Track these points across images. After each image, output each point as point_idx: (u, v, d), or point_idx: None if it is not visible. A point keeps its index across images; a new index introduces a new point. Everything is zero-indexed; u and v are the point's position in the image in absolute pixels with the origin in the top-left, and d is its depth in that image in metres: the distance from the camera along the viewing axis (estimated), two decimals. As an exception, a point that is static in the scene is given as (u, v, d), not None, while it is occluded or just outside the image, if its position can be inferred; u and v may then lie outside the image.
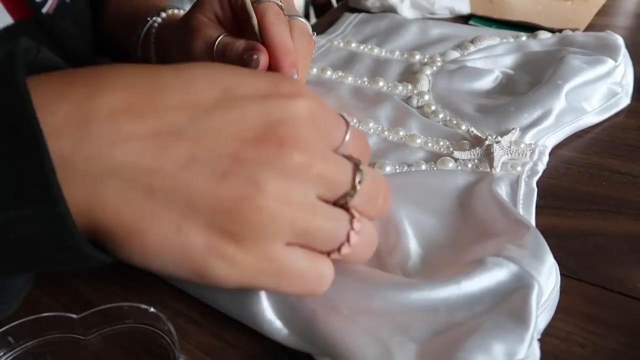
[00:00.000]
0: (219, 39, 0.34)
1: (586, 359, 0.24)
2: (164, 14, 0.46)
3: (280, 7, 0.33)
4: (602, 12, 0.60)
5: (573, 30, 0.53)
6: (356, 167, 0.23)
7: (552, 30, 0.53)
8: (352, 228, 0.23)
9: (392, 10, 0.61)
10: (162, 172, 0.20)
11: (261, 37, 0.33)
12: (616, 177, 0.35)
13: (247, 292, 0.25)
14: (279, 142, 0.22)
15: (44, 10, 0.44)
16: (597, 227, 0.31)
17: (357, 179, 0.23)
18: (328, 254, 0.23)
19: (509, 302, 0.23)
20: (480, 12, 0.60)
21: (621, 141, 0.38)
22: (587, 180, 0.35)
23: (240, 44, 0.33)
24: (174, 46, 0.39)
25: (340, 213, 0.23)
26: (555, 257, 0.29)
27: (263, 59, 0.30)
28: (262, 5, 0.32)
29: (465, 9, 0.61)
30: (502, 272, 0.24)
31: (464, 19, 0.59)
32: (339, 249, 0.23)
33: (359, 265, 0.27)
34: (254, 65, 0.31)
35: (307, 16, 1.47)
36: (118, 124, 0.20)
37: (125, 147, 0.20)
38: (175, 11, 0.47)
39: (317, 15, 1.39)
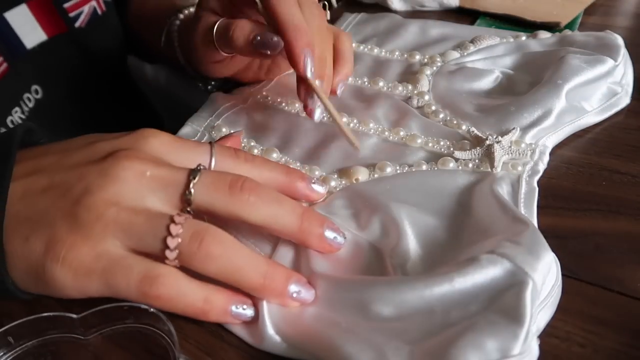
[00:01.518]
0: (218, 22, 0.34)
1: (586, 359, 0.24)
2: (181, 15, 0.46)
3: None
4: (601, 12, 0.60)
5: (554, 24, 0.54)
6: (192, 170, 0.25)
7: (533, 24, 0.55)
8: (172, 221, 0.24)
9: (382, 2, 0.63)
10: (25, 199, 0.25)
11: (268, 16, 0.32)
12: (616, 177, 0.35)
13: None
14: (117, 157, 0.25)
15: (77, 24, 0.45)
16: (597, 227, 0.31)
17: (192, 178, 0.25)
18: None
19: (503, 299, 0.23)
20: (467, 5, 0.61)
21: (621, 141, 0.38)
22: (587, 180, 0.35)
23: (245, 24, 0.33)
24: (188, 43, 0.40)
25: (165, 214, 0.24)
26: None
27: (270, 35, 0.32)
28: None
29: (454, 1, 0.62)
30: (496, 269, 0.23)
31: (470, 20, 0.60)
32: (168, 247, 0.23)
33: (350, 276, 0.27)
34: (274, 47, 0.32)
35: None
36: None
37: (11, 188, 0.25)
38: (192, 9, 0.47)
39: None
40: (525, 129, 0.36)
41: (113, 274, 0.23)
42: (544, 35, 0.50)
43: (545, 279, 0.24)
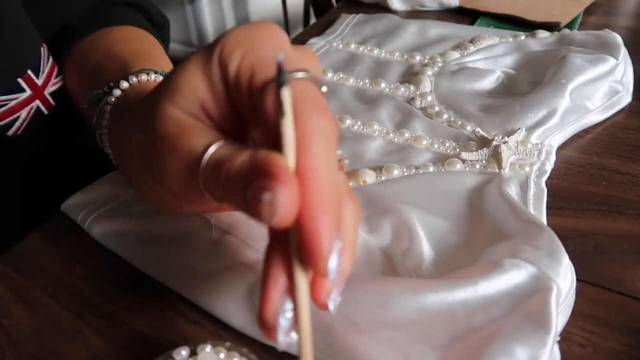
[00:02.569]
0: (209, 152, 0.20)
1: (586, 359, 0.24)
2: (125, 84, 0.31)
3: (321, 89, 0.21)
4: (601, 12, 0.60)
5: (554, 24, 0.54)
6: None
7: (533, 24, 0.55)
8: None
9: (382, 2, 0.63)
10: None
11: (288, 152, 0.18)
12: (616, 177, 0.35)
13: None
14: None
15: (10, 133, 0.38)
16: (597, 227, 0.31)
17: None
18: None
19: (528, 304, 0.23)
20: (467, 5, 0.62)
21: (621, 141, 0.39)
22: (587, 180, 0.35)
23: (243, 163, 0.19)
24: (135, 150, 0.25)
25: None
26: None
27: (284, 198, 0.17)
28: (295, 88, 0.19)
29: (454, 1, 0.62)
30: (520, 273, 0.23)
31: (470, 20, 0.60)
32: None
33: (371, 275, 0.26)
34: (268, 211, 0.17)
35: (306, 16, 1.45)
36: None
37: None
38: (144, 77, 0.32)
39: (317, 15, 1.37)
40: (530, 129, 0.36)
41: None
42: (543, 34, 0.50)
43: (563, 283, 0.24)
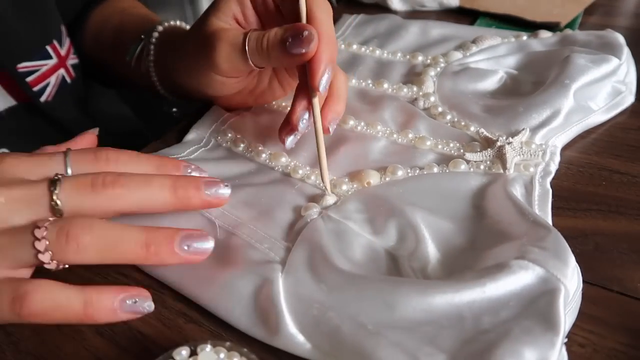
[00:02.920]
0: (249, 34, 0.32)
1: (586, 359, 0.24)
2: (160, 28, 0.44)
3: None
4: (602, 12, 0.61)
5: (554, 24, 0.54)
6: (51, 181, 0.25)
7: (533, 24, 0.55)
8: (36, 226, 0.23)
9: (382, 2, 0.63)
10: None
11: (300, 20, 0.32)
12: (616, 177, 0.35)
13: (268, 308, 0.25)
14: None
15: (43, 99, 0.43)
16: (597, 227, 0.31)
17: (53, 189, 0.24)
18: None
19: (536, 306, 0.22)
20: (467, 5, 0.62)
21: (621, 141, 0.39)
22: (587, 180, 0.35)
23: (277, 29, 0.32)
24: (188, 58, 0.37)
25: (30, 224, 0.24)
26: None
27: (316, 36, 0.30)
28: None
29: (454, 1, 0.62)
30: (528, 275, 0.23)
31: (470, 20, 0.60)
32: (39, 252, 0.23)
33: (377, 276, 0.26)
34: (307, 41, 0.30)
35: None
36: None
37: None
38: (178, 23, 0.45)
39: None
40: (534, 130, 0.36)
41: None
42: (545, 34, 0.50)
43: (570, 284, 0.24)
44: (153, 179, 0.27)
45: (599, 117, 0.39)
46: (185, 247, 0.25)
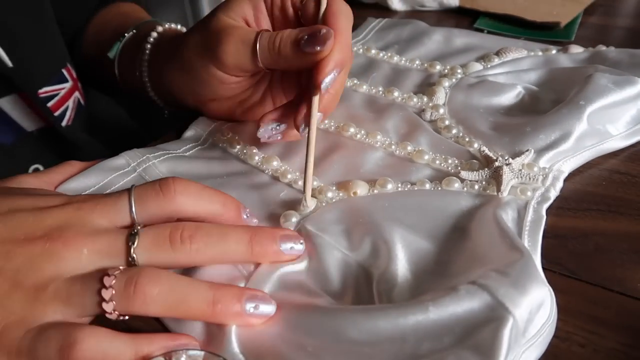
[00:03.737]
0: (262, 33, 0.32)
1: (586, 359, 0.24)
2: (160, 29, 0.43)
3: None
4: (601, 12, 0.59)
5: (554, 24, 0.53)
6: (130, 235, 0.25)
7: (533, 24, 0.55)
8: (106, 274, 0.23)
9: (382, 2, 0.62)
10: None
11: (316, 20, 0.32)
12: (616, 177, 0.34)
13: (217, 326, 0.25)
14: (47, 238, 0.24)
15: (64, 123, 0.44)
16: (597, 227, 0.31)
17: (131, 244, 0.24)
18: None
19: (479, 335, 0.21)
20: (467, 5, 0.61)
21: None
22: (587, 180, 0.34)
23: (292, 30, 0.32)
24: (189, 53, 0.36)
25: (100, 270, 0.24)
26: (555, 257, 0.28)
27: (332, 35, 0.31)
28: None
29: (454, 1, 0.62)
30: (473, 301, 0.22)
31: (470, 20, 0.59)
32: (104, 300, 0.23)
33: (324, 300, 0.25)
34: (323, 39, 0.30)
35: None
36: None
37: None
38: (179, 27, 0.45)
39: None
40: (540, 152, 0.34)
41: (34, 351, 0.22)
42: (576, 49, 0.47)
43: (532, 316, 0.22)
44: (229, 234, 0.27)
45: (617, 142, 0.36)
46: (252, 310, 0.24)
